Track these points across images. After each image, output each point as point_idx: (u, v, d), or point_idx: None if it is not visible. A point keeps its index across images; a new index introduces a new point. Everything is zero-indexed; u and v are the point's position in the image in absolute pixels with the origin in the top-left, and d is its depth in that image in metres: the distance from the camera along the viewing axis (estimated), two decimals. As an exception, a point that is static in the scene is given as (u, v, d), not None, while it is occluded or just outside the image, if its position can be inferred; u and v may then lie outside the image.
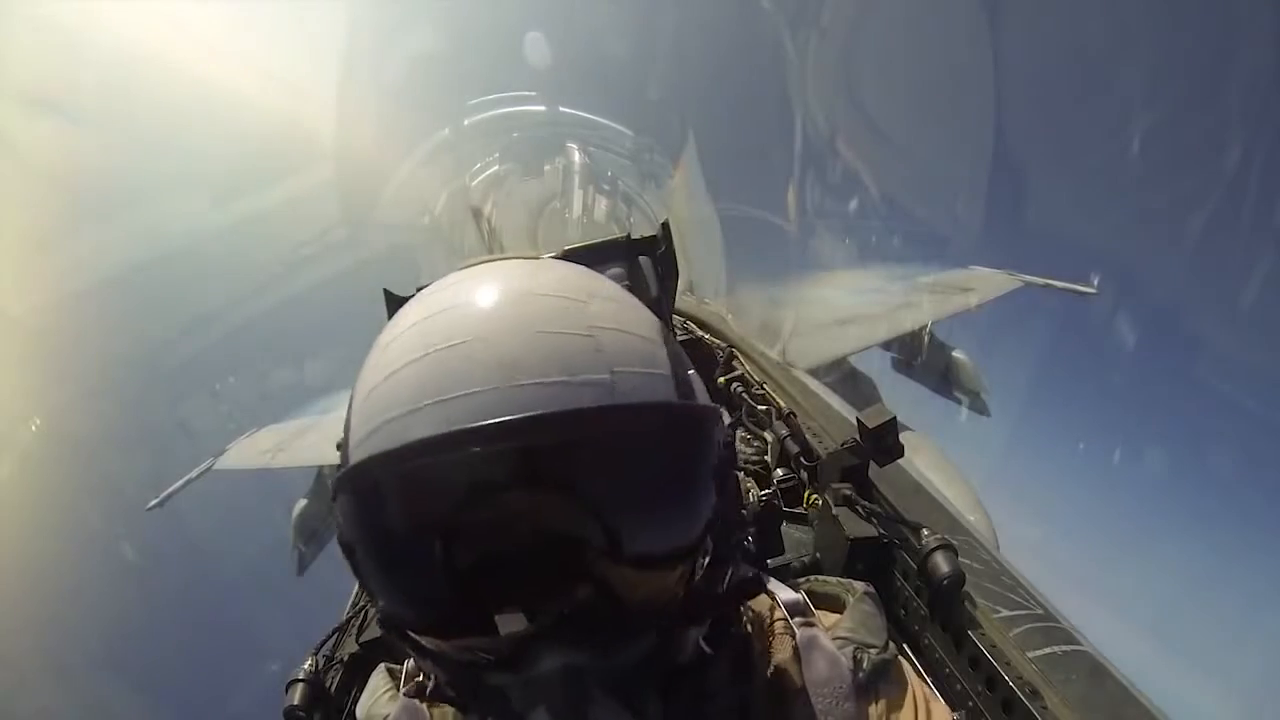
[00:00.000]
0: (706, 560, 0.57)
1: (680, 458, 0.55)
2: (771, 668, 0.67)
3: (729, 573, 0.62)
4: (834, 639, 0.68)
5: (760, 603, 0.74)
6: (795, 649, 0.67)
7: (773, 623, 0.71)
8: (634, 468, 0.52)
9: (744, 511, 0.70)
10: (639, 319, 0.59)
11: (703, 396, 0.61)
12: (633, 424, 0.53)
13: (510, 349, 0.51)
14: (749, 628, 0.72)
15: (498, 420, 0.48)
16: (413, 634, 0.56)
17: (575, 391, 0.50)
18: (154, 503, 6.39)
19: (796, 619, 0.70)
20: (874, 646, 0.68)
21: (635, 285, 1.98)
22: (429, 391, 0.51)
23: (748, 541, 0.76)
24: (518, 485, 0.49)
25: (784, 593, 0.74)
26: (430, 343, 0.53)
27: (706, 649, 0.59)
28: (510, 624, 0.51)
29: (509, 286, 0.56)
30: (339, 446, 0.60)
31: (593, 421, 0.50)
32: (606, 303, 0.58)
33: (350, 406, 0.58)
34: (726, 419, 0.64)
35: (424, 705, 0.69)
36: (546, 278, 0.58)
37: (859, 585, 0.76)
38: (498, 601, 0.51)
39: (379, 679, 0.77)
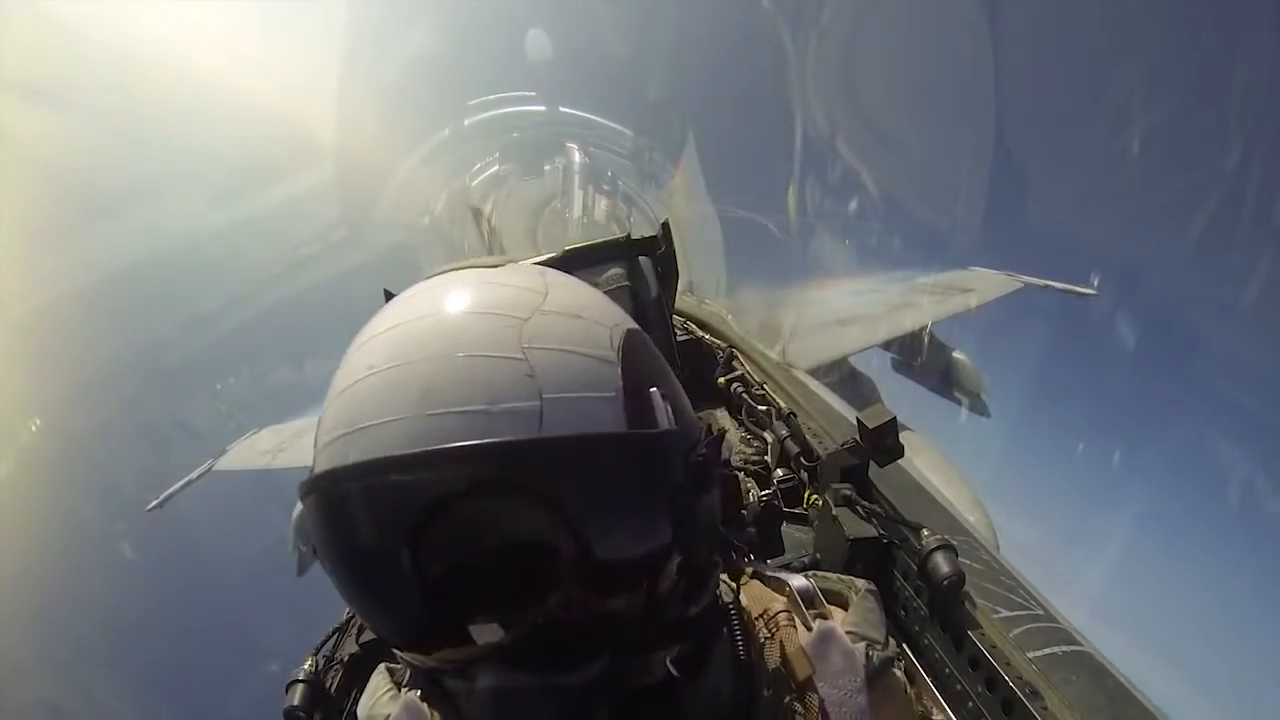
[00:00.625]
0: (672, 582, 0.55)
1: (614, 487, 0.51)
2: (780, 658, 0.67)
3: (705, 593, 0.60)
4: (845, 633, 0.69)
5: (767, 595, 0.74)
6: (804, 641, 0.68)
7: (781, 613, 0.72)
8: (557, 502, 0.48)
9: (720, 529, 0.67)
10: (590, 335, 0.55)
11: (663, 415, 0.55)
12: (553, 457, 0.49)
13: (429, 375, 0.50)
14: (756, 618, 0.72)
15: (379, 457, 0.48)
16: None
17: (493, 421, 0.48)
18: (154, 503, 6.39)
19: (810, 611, 0.71)
20: (879, 643, 0.69)
21: (635, 285, 1.98)
22: (360, 416, 0.51)
23: (742, 555, 0.74)
24: (422, 516, 0.47)
25: (796, 581, 0.75)
26: (371, 364, 0.52)
27: (674, 672, 0.56)
28: (457, 644, 0.51)
29: (444, 305, 0.55)
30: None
31: (499, 457, 0.48)
32: (555, 318, 0.54)
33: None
34: (709, 428, 0.63)
35: (425, 705, 0.69)
36: (489, 294, 0.55)
37: (861, 583, 0.77)
38: (419, 621, 0.52)
39: (379, 679, 0.77)
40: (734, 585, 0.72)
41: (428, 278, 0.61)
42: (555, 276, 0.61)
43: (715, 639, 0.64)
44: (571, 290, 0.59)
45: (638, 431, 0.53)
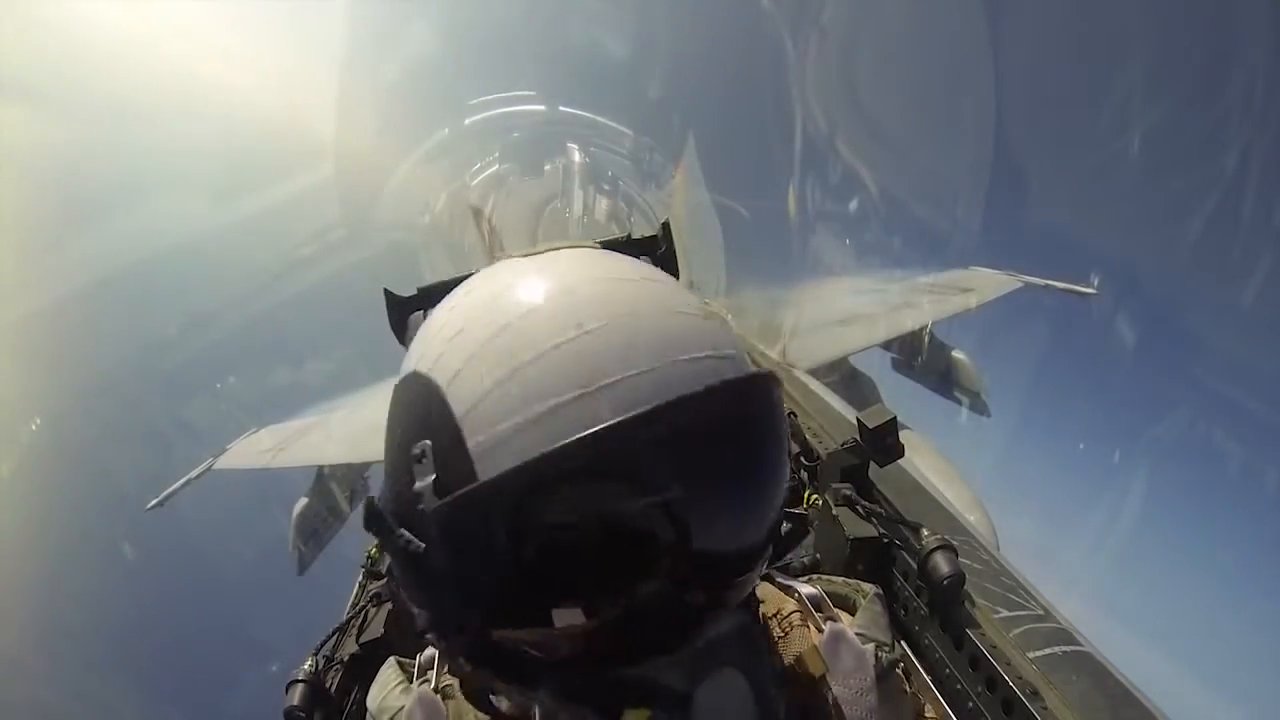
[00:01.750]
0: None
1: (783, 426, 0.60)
2: (791, 658, 0.68)
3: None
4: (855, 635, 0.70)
5: (779, 596, 0.75)
6: (817, 641, 0.68)
7: (794, 613, 0.72)
8: (776, 437, 0.57)
9: None
10: (713, 308, 0.62)
11: None
12: (771, 392, 0.56)
13: (658, 329, 0.51)
14: (770, 618, 0.73)
15: (673, 399, 0.47)
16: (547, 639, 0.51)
17: (725, 364, 0.53)
18: (154, 503, 6.38)
19: (819, 614, 0.72)
20: (886, 644, 0.70)
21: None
22: (597, 374, 0.47)
23: None
24: (740, 447, 0.52)
25: (804, 588, 0.76)
26: (580, 321, 0.49)
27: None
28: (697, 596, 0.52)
29: (620, 270, 0.57)
30: (443, 442, 0.50)
31: (761, 390, 0.54)
32: (689, 290, 0.61)
33: (453, 393, 0.50)
34: None
35: (439, 697, 0.68)
36: (640, 267, 0.60)
37: (867, 586, 0.78)
38: (708, 569, 0.52)
39: (390, 672, 0.76)
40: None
41: (528, 255, 0.61)
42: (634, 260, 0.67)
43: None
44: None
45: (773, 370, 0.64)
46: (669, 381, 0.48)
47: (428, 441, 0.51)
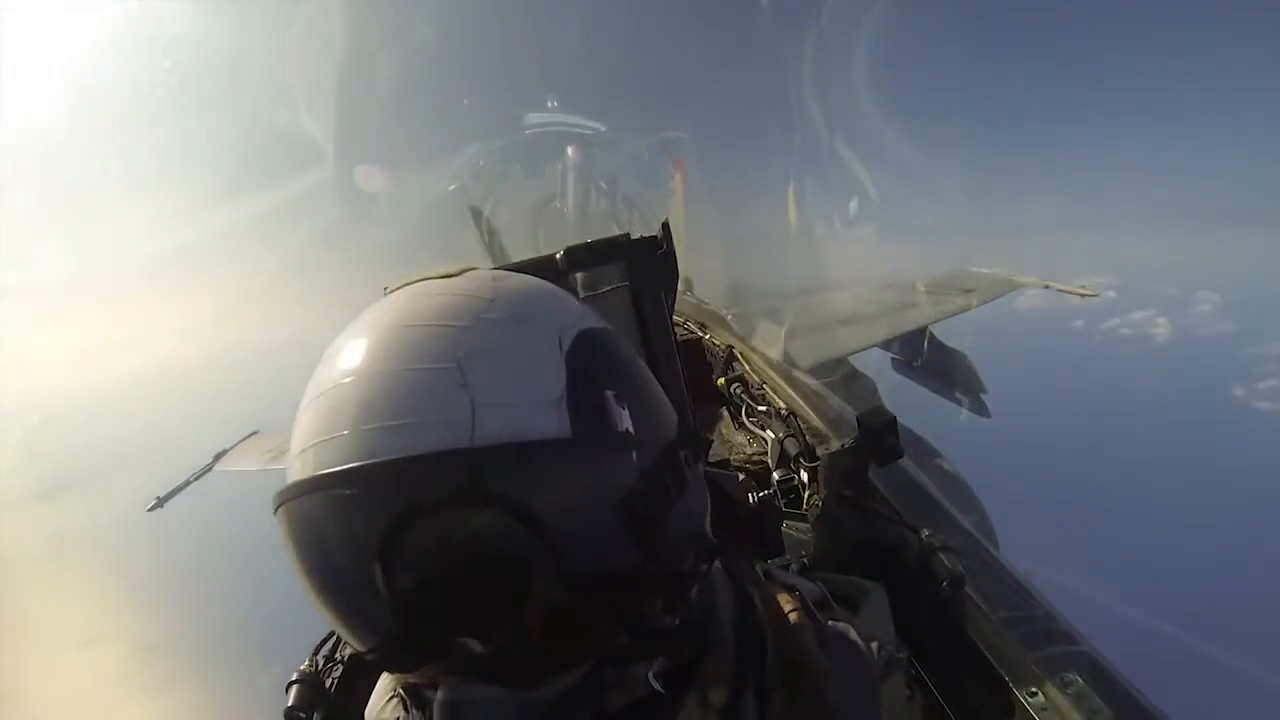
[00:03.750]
0: (646, 590, 0.54)
1: (559, 494, 0.49)
2: (795, 657, 0.67)
3: (685, 601, 0.59)
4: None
5: (780, 595, 0.74)
6: (818, 641, 0.68)
7: (794, 612, 0.71)
8: (508, 511, 0.47)
9: (706, 534, 0.65)
10: (533, 339, 0.54)
11: (618, 418, 0.54)
12: (486, 464, 0.48)
13: (366, 390, 0.51)
14: (769, 619, 0.72)
15: (319, 474, 0.50)
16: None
17: (422, 434, 0.48)
18: (154, 503, 6.37)
19: (822, 613, 0.72)
20: (889, 643, 0.69)
21: (635, 285, 1.99)
22: (311, 433, 0.52)
23: (750, 558, 0.73)
24: (365, 533, 0.48)
25: (806, 585, 0.76)
26: (325, 379, 0.54)
27: (658, 687, 0.56)
28: (399, 662, 0.54)
29: (389, 319, 0.55)
30: None
31: (423, 468, 0.47)
32: (498, 324, 0.54)
33: None
34: (695, 428, 0.63)
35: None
36: (433, 304, 0.55)
37: (869, 585, 0.78)
38: (374, 638, 0.53)
39: (385, 683, 0.75)
40: (746, 587, 0.73)
41: (387, 292, 0.61)
42: (510, 281, 0.60)
43: (706, 650, 0.62)
44: (523, 295, 0.58)
45: (575, 436, 0.50)
46: (348, 450, 0.49)
47: None
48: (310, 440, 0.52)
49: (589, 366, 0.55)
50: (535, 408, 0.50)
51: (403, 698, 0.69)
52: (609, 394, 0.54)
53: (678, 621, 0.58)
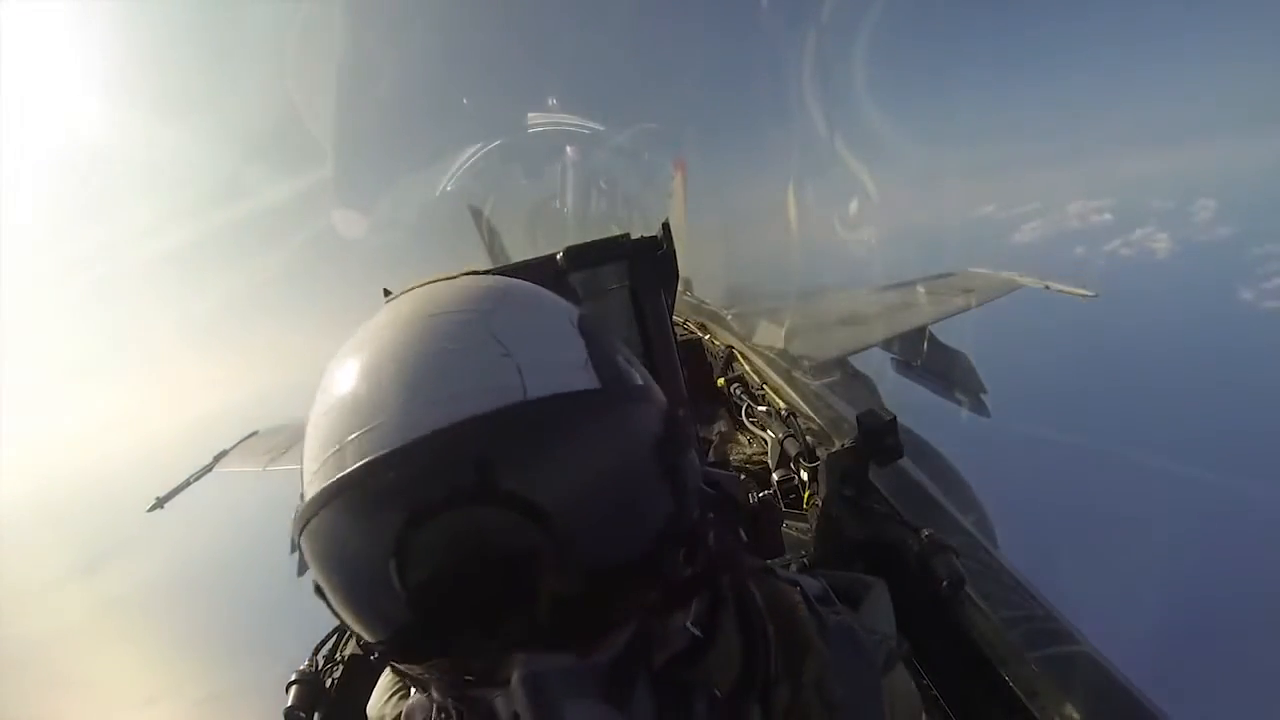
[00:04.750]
0: (676, 543, 0.57)
1: (605, 445, 0.53)
2: (796, 650, 0.67)
3: (702, 548, 0.61)
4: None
5: (782, 590, 0.74)
6: (820, 635, 0.68)
7: (796, 605, 0.72)
8: (554, 465, 0.49)
9: (705, 488, 0.69)
10: (551, 315, 0.59)
11: (635, 375, 0.59)
12: (543, 418, 0.50)
13: (409, 373, 0.51)
14: (772, 613, 0.72)
15: (390, 450, 0.48)
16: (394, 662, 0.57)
17: (481, 400, 0.49)
18: (154, 504, 6.37)
19: (825, 608, 0.72)
20: (890, 638, 0.70)
21: (636, 285, 1.98)
22: (345, 428, 0.51)
23: (718, 515, 0.74)
24: (453, 502, 0.48)
25: (808, 581, 0.75)
26: (346, 380, 0.53)
27: (697, 632, 0.58)
28: (469, 646, 0.51)
29: (410, 313, 0.56)
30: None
31: (501, 423, 0.49)
32: (516, 307, 0.58)
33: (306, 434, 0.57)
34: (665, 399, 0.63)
35: (435, 702, 0.69)
36: (451, 295, 0.58)
37: (870, 579, 0.78)
38: (449, 625, 0.51)
39: (388, 678, 0.76)
40: (747, 580, 0.72)
41: (390, 298, 0.63)
42: (507, 279, 0.64)
43: (723, 599, 0.65)
44: (526, 287, 0.63)
45: (605, 389, 0.55)
46: (404, 428, 0.49)
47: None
48: (345, 435, 0.50)
49: (599, 336, 0.59)
50: (570, 368, 0.54)
51: (406, 694, 0.69)
52: (619, 358, 0.59)
53: (697, 570, 0.60)
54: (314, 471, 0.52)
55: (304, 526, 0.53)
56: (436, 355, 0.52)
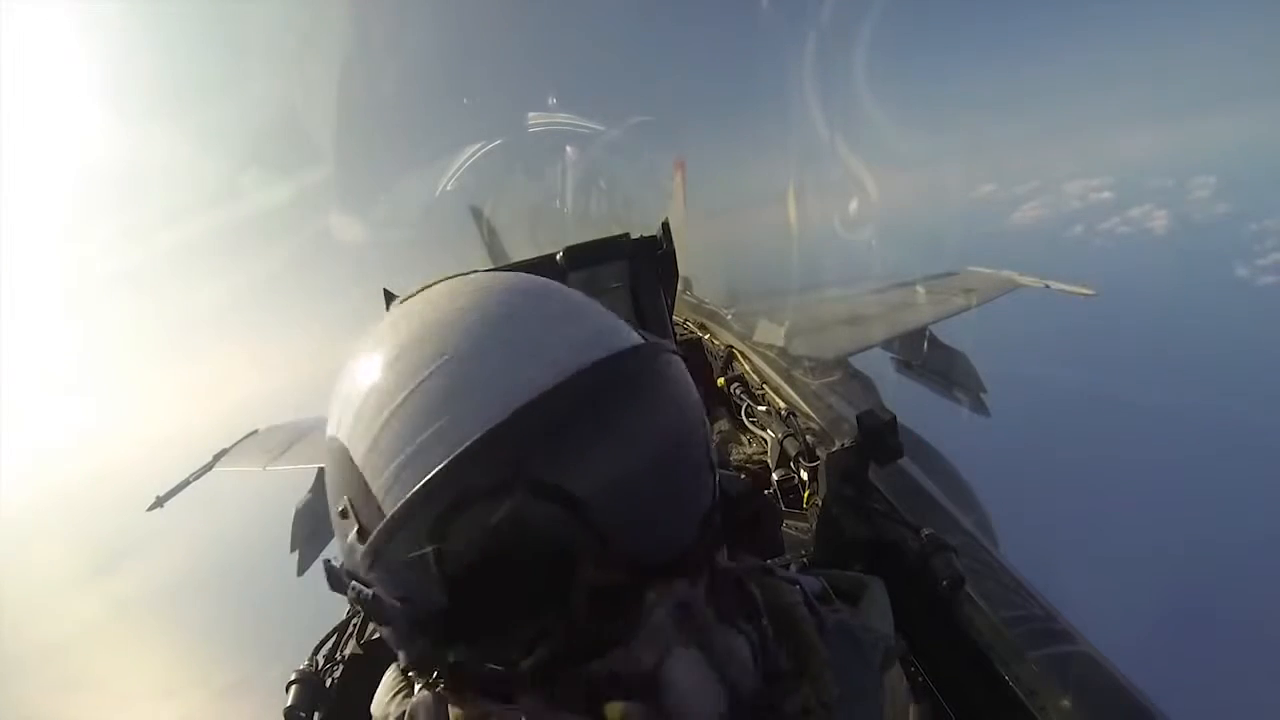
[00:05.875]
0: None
1: (688, 386, 0.63)
2: (795, 647, 0.68)
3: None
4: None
5: (780, 588, 0.74)
6: (818, 632, 0.68)
7: (795, 604, 0.72)
8: (672, 399, 0.58)
9: None
10: (577, 293, 0.64)
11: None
12: (654, 361, 0.58)
13: (511, 348, 0.53)
14: (771, 610, 0.72)
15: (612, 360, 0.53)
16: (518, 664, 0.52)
17: (593, 349, 0.54)
18: (154, 503, 6.37)
19: (823, 605, 0.72)
20: (889, 636, 0.70)
21: (635, 285, 1.98)
22: (503, 390, 0.50)
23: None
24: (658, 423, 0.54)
25: (806, 580, 0.76)
26: (440, 352, 0.53)
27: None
28: (651, 602, 0.51)
29: (463, 301, 0.57)
30: (356, 492, 0.53)
31: (636, 357, 0.56)
32: (556, 288, 0.62)
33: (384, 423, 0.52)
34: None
35: (440, 700, 0.69)
36: (518, 277, 0.62)
37: (868, 578, 0.78)
38: (642, 577, 0.51)
39: (392, 677, 0.75)
40: (744, 579, 0.72)
41: (425, 288, 0.62)
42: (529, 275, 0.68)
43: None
44: (540, 278, 0.66)
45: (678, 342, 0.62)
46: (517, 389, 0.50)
47: (347, 496, 0.54)
48: (447, 412, 0.49)
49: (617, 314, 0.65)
50: (632, 329, 0.61)
51: (410, 692, 0.69)
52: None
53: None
54: (415, 448, 0.49)
55: (454, 510, 0.48)
56: (532, 324, 0.55)
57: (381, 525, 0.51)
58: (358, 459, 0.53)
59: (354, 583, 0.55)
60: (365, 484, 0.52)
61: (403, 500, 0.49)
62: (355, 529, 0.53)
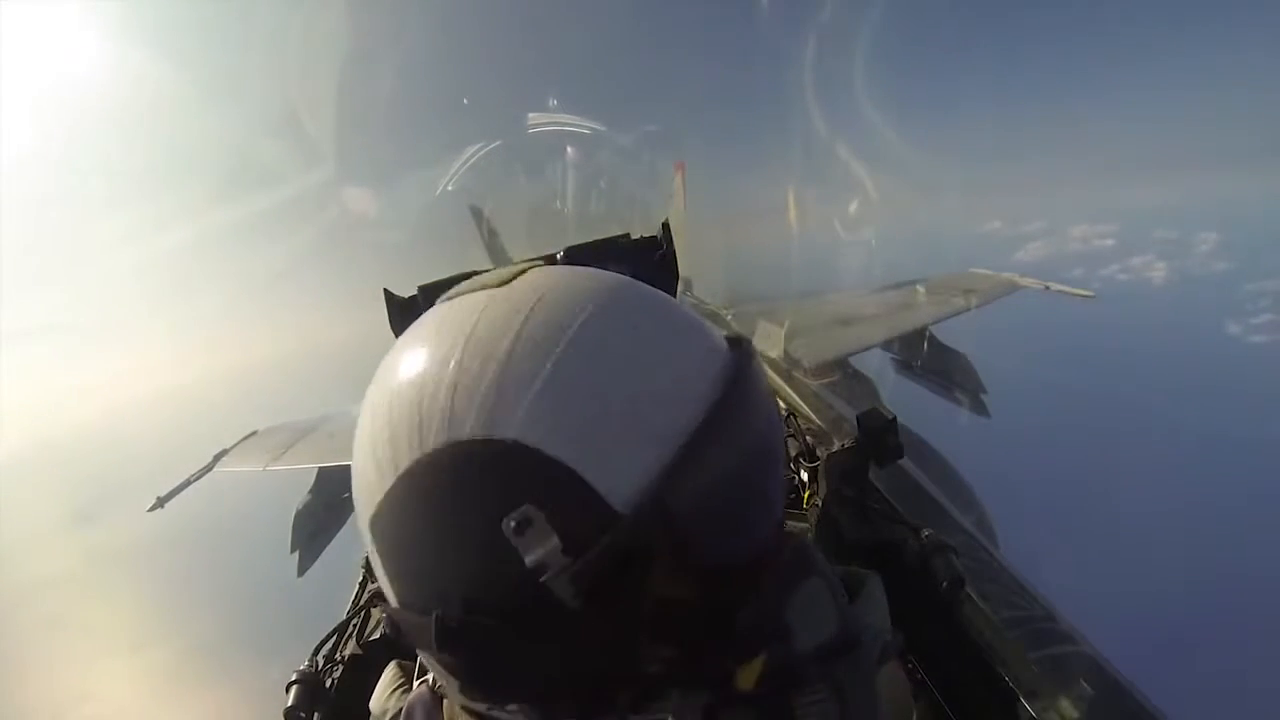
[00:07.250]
0: None
1: None
2: None
3: None
4: None
5: None
6: None
7: None
8: None
9: None
10: None
11: None
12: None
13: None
14: None
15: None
16: None
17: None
18: (154, 504, 6.37)
19: None
20: (885, 631, 0.70)
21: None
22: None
23: None
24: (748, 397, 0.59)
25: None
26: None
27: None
28: None
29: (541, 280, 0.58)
30: (557, 498, 0.45)
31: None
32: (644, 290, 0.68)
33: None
34: None
35: (437, 697, 0.69)
36: (575, 280, 0.62)
37: (865, 573, 0.78)
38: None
39: (391, 674, 0.76)
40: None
41: (446, 299, 0.59)
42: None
43: None
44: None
45: None
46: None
47: (528, 506, 0.45)
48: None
49: None
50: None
51: (408, 689, 0.69)
52: None
53: None
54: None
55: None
56: (580, 330, 0.52)
57: (629, 520, 0.45)
58: (561, 453, 0.45)
59: (504, 625, 0.46)
60: (579, 478, 0.45)
61: (655, 492, 0.47)
62: (555, 540, 0.44)
